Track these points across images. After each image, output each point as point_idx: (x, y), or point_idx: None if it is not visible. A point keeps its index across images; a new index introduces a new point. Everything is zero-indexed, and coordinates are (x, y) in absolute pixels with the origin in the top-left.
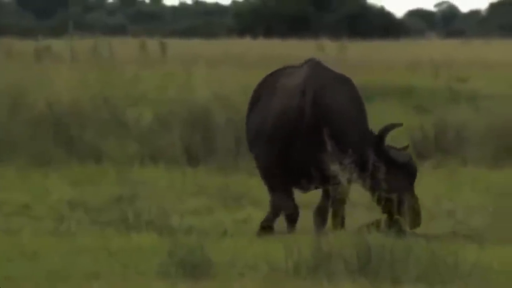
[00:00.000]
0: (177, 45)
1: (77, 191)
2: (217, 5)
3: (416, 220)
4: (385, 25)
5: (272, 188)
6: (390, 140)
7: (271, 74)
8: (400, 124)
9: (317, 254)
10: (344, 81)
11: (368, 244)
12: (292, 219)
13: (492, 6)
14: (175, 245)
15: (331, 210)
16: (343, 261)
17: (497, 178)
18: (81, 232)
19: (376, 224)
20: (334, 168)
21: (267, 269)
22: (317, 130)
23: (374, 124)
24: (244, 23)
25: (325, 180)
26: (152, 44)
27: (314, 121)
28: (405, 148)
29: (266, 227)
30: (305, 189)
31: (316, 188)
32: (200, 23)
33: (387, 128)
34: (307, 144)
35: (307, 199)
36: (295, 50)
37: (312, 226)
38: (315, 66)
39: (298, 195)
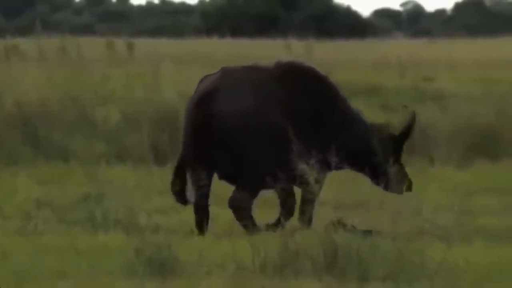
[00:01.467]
0: (145, 45)
1: (44, 190)
2: (184, 5)
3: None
4: (351, 25)
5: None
6: None
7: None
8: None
9: (284, 253)
10: (259, 83)
11: (335, 243)
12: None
13: (457, 6)
14: (142, 244)
15: (299, 209)
16: (310, 260)
17: (464, 177)
18: (48, 231)
19: (343, 223)
20: (302, 167)
21: (234, 268)
22: (207, 132)
23: None
24: (211, 23)
25: (291, 180)
26: (120, 43)
27: (200, 124)
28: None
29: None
30: (271, 188)
31: (283, 187)
32: (167, 23)
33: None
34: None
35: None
36: (262, 50)
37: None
38: (226, 70)
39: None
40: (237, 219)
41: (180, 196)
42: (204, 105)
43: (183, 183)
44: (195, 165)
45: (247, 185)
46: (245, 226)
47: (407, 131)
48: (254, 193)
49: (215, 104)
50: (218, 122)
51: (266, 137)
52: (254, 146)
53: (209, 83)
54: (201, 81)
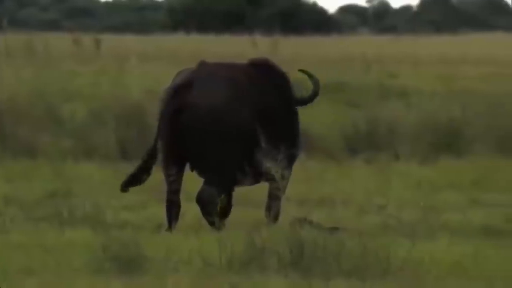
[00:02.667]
0: (111, 41)
1: (11, 187)
2: (150, 1)
3: None
4: (317, 21)
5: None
6: (321, 136)
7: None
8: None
9: (250, 249)
10: (232, 80)
11: (301, 239)
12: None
13: (423, 2)
14: (109, 241)
15: (266, 205)
16: (276, 256)
17: (428, 173)
18: (15, 228)
19: (309, 220)
20: (269, 164)
21: (201, 264)
22: (184, 127)
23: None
24: (177, 19)
25: (258, 176)
26: (87, 40)
27: (173, 116)
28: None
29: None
30: (239, 184)
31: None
32: (133, 19)
33: None
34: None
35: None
36: (228, 46)
37: (246, 222)
38: (203, 64)
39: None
40: (203, 214)
41: (126, 184)
42: (178, 97)
43: (138, 178)
44: (167, 159)
45: (215, 180)
46: (211, 222)
47: (308, 100)
48: (222, 189)
49: (188, 96)
50: (190, 114)
51: (235, 133)
52: (223, 141)
53: (185, 76)
54: (178, 74)
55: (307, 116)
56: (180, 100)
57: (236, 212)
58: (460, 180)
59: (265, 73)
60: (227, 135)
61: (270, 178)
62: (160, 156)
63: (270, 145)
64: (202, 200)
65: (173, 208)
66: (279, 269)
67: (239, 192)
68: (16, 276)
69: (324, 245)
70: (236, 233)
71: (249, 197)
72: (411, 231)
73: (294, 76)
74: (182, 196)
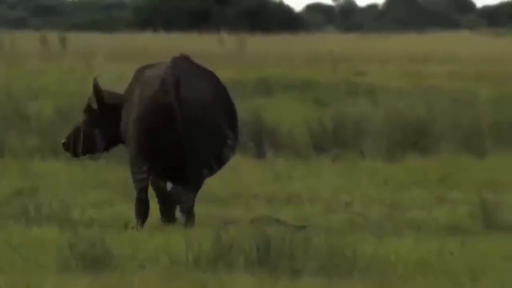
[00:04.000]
0: (77, 39)
1: None
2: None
3: None
4: (284, 19)
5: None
6: (289, 134)
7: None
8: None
9: (217, 246)
10: (209, 75)
11: (268, 236)
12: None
13: (389, 1)
14: (76, 238)
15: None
16: (243, 254)
17: (394, 171)
18: None
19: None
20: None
21: (167, 262)
22: (174, 120)
23: (274, 117)
24: (144, 17)
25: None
26: (53, 37)
27: (170, 111)
28: None
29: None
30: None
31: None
32: (100, 17)
33: None
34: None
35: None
36: (195, 44)
37: (213, 219)
38: (178, 59)
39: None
40: (168, 211)
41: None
42: (169, 91)
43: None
44: (141, 156)
45: (194, 177)
46: (172, 219)
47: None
48: (196, 186)
49: (182, 91)
50: (185, 109)
51: (218, 129)
52: (209, 138)
53: (164, 72)
54: (141, 71)
55: (275, 114)
56: (171, 95)
57: (202, 210)
58: (426, 178)
59: (188, 66)
60: (213, 132)
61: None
62: (131, 153)
63: (233, 141)
64: (181, 203)
65: (142, 206)
66: (246, 267)
67: (206, 189)
68: None
69: (291, 243)
70: (203, 231)
71: (215, 194)
72: (377, 229)
73: (261, 73)
74: (148, 194)
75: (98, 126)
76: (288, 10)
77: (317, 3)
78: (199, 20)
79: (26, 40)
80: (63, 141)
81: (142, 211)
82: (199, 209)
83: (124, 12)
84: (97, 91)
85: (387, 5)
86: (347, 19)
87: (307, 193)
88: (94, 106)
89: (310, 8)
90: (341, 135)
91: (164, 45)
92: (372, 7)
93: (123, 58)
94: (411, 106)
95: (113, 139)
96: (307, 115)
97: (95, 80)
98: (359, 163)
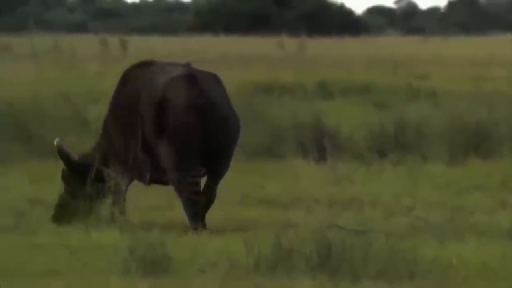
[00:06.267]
0: (138, 42)
1: (37, 189)
2: (177, 2)
3: None
4: (345, 22)
5: None
6: (349, 137)
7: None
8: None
9: (277, 250)
10: (218, 79)
11: (328, 240)
12: None
13: (451, 4)
14: (135, 242)
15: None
16: (303, 258)
17: (456, 175)
18: (40, 229)
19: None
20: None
21: (227, 266)
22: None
23: (335, 121)
24: (204, 21)
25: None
26: (113, 41)
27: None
28: None
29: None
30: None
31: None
32: (160, 20)
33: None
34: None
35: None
36: (255, 47)
37: (273, 223)
38: (188, 64)
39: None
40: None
41: None
42: (203, 95)
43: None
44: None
45: (222, 176)
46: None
47: None
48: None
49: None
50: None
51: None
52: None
53: (187, 73)
54: (132, 74)
55: (335, 117)
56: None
57: (262, 214)
58: (488, 182)
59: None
60: (238, 129)
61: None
62: (181, 155)
63: None
64: (213, 199)
65: (199, 207)
66: (306, 271)
67: (266, 193)
68: (41, 277)
69: (351, 247)
70: (263, 234)
71: (276, 198)
72: (439, 233)
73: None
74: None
75: (79, 188)
76: (349, 12)
77: (379, 5)
78: (259, 23)
79: (86, 44)
80: (52, 213)
81: (199, 212)
82: (260, 213)
83: (185, 15)
84: (63, 156)
85: (449, 8)
86: (409, 22)
87: (367, 197)
88: (67, 170)
89: (371, 11)
90: (402, 139)
91: (223, 49)
92: (434, 10)
93: (183, 62)
94: (473, 110)
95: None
96: (368, 118)
97: (57, 143)
98: (420, 167)
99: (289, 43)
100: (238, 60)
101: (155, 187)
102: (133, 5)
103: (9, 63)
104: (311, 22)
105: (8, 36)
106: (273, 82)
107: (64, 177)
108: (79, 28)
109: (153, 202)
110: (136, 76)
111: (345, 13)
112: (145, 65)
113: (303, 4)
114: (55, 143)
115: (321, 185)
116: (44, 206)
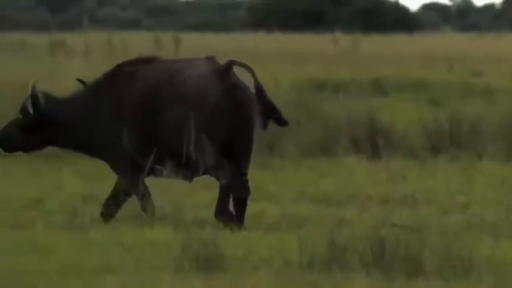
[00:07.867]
0: (191, 39)
1: (90, 186)
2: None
3: None
4: (399, 19)
5: None
6: (404, 134)
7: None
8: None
9: (331, 248)
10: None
11: (383, 237)
12: None
13: (506, 1)
14: (189, 240)
15: None
16: (358, 255)
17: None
18: (94, 226)
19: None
20: None
21: (281, 263)
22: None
23: (389, 118)
24: (258, 17)
25: None
26: (166, 38)
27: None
28: None
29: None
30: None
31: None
32: (214, 18)
33: None
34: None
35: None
36: (309, 44)
37: (327, 220)
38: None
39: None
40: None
41: None
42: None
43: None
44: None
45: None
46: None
47: None
48: None
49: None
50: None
51: None
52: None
53: (215, 66)
54: (136, 70)
55: (389, 114)
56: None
57: (316, 211)
58: None
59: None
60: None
61: None
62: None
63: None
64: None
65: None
66: (360, 268)
67: (320, 190)
68: (95, 274)
69: (405, 244)
70: (317, 232)
71: (329, 195)
72: (494, 230)
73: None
74: (262, 195)
75: (33, 130)
76: (403, 9)
77: (434, 2)
78: (313, 20)
79: (139, 41)
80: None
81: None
82: (314, 210)
83: (238, 12)
84: (34, 96)
85: (504, 5)
86: (464, 19)
87: (422, 194)
88: (30, 110)
89: (426, 7)
90: (457, 136)
91: (278, 46)
92: (489, 7)
93: (237, 59)
94: None
95: (48, 142)
96: (422, 115)
97: (33, 85)
98: (476, 164)
99: (344, 40)
100: (292, 57)
101: (207, 184)
102: (187, 2)
103: (63, 60)
104: (365, 19)
105: (62, 32)
106: (327, 79)
107: (22, 111)
108: (132, 25)
109: (206, 199)
110: (148, 71)
111: (400, 10)
112: (150, 61)
113: (358, 1)
114: (30, 85)
115: (375, 182)
116: (97, 203)
